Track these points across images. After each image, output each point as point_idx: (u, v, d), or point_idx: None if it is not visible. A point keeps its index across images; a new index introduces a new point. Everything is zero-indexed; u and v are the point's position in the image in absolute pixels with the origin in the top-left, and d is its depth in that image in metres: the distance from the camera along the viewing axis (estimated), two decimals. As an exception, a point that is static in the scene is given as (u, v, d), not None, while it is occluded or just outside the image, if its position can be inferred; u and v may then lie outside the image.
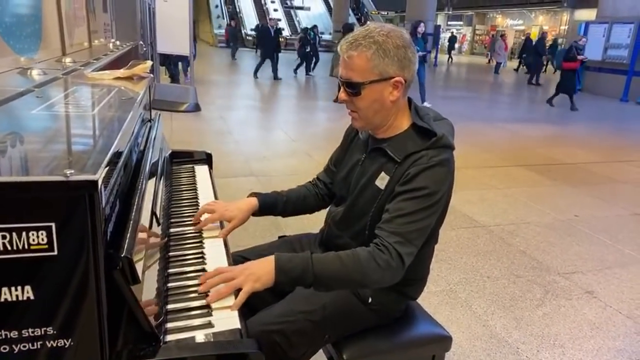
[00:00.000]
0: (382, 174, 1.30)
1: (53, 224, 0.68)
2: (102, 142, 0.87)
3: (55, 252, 0.69)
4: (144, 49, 6.91)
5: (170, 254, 1.31)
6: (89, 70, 2.18)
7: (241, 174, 4.59)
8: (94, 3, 4.66)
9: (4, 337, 0.71)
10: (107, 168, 0.76)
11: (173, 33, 7.45)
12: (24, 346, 0.72)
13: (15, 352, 0.72)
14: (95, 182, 0.68)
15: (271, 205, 1.54)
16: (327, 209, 1.58)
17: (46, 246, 0.68)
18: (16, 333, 0.71)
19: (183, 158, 2.14)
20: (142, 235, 0.96)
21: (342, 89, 1.26)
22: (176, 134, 6.18)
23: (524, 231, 3.62)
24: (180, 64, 9.41)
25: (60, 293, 0.72)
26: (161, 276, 1.13)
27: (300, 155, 5.42)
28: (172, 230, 1.46)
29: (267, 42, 12.90)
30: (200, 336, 0.92)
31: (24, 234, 0.67)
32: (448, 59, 24.37)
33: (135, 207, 1.00)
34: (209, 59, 16.40)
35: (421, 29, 9.10)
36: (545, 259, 3.17)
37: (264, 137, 6.67)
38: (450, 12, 29.81)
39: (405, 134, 1.30)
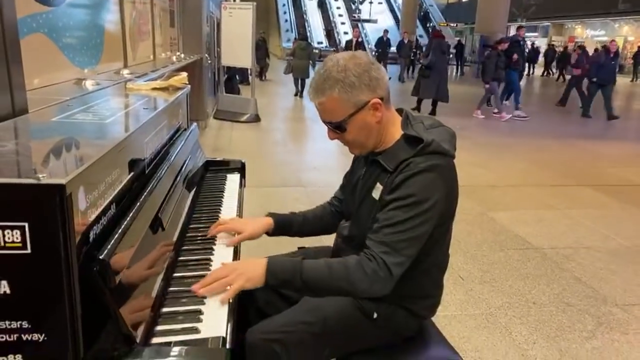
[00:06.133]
0: (377, 184, 1.28)
1: (26, 224, 0.73)
2: (92, 149, 0.92)
3: (29, 251, 0.74)
4: (209, 61, 7.24)
5: (180, 258, 1.35)
6: (138, 81, 2.32)
7: (290, 184, 4.65)
8: (161, 19, 4.97)
9: (-17, 327, 0.76)
10: (86, 173, 0.80)
11: (236, 46, 7.76)
12: (2, 337, 0.77)
13: (-6, 342, 0.77)
14: (63, 186, 0.71)
15: (286, 225, 1.56)
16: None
17: (20, 244, 0.73)
18: (-5, 324, 0.76)
19: (218, 167, 2.22)
20: (133, 239, 1.00)
21: (329, 130, 1.29)
22: (234, 143, 6.40)
23: (582, 256, 3.35)
24: (237, 76, 9.80)
25: (34, 290, 0.76)
26: (163, 279, 1.17)
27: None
28: (188, 234, 1.51)
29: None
30: (178, 342, 0.94)
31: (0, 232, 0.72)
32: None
33: (132, 212, 1.04)
34: (274, 72, 16.81)
35: None
36: (603, 287, 2.92)
37: (317, 148, 6.73)
38: (524, 23, 28.61)
39: (397, 144, 1.28)
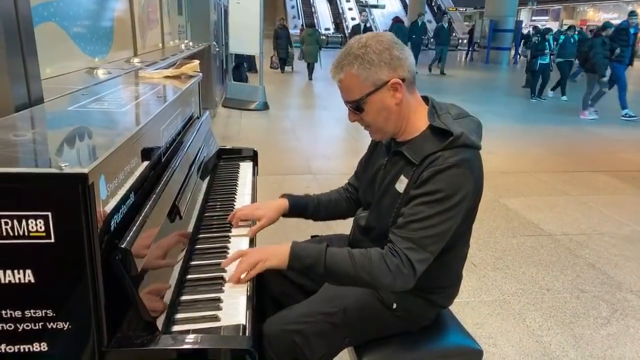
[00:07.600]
0: (402, 177, 1.25)
1: (50, 214, 0.73)
2: (111, 138, 0.92)
3: (53, 240, 0.74)
4: (217, 49, 7.19)
5: (197, 246, 1.36)
6: (150, 70, 2.31)
7: (299, 172, 4.64)
8: (169, 7, 4.94)
9: (9, 316, 0.77)
10: (106, 162, 0.80)
11: (244, 34, 7.71)
12: (27, 325, 0.78)
13: (19, 330, 0.78)
14: (85, 175, 0.71)
15: (301, 207, 1.56)
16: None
17: (44, 234, 0.73)
18: (20, 313, 0.77)
19: (230, 155, 2.22)
20: (153, 228, 1.00)
21: (349, 110, 1.26)
22: (243, 131, 6.39)
23: (595, 242, 3.32)
24: (245, 64, 9.77)
25: (58, 278, 0.76)
26: (181, 267, 1.17)
27: (360, 155, 5.38)
28: (204, 223, 1.52)
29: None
30: (200, 329, 0.94)
31: (23, 221, 0.72)
32: None
33: (150, 200, 1.04)
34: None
35: None
36: (618, 274, 2.89)
37: (327, 136, 6.71)
38: (535, 7, 28.13)
39: (422, 135, 1.24)
